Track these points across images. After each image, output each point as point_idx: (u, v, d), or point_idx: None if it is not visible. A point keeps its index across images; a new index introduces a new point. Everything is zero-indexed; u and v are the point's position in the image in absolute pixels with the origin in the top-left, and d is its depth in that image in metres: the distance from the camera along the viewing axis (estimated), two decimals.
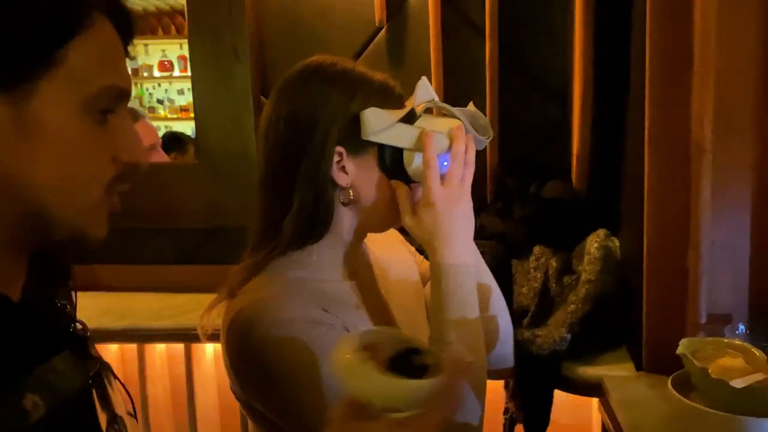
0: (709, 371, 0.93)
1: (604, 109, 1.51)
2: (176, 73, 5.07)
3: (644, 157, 1.17)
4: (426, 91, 0.92)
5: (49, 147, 0.57)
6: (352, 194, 0.91)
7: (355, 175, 0.91)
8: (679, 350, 0.99)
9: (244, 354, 0.87)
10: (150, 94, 5.41)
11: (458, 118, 0.91)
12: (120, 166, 0.62)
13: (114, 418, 0.69)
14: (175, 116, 5.19)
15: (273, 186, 0.92)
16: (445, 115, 0.94)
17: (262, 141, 0.93)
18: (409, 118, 0.90)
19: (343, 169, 0.90)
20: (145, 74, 5.21)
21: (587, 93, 1.52)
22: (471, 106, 0.95)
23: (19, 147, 0.55)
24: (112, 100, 0.61)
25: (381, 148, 0.90)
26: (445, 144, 0.89)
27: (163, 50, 5.14)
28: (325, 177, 0.89)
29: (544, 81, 1.67)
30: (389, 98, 0.92)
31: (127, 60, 0.64)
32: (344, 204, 0.92)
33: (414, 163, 0.90)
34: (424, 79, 0.93)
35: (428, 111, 0.93)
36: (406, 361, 0.64)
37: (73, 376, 0.62)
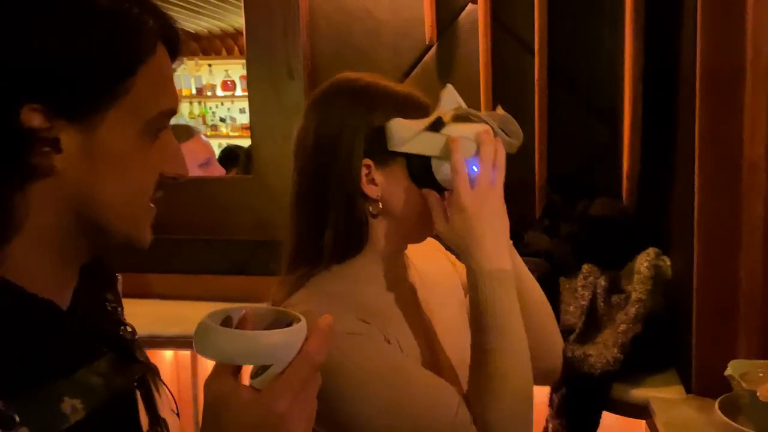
0: (758, 394, 0.90)
1: (654, 125, 1.49)
2: (238, 92, 5.23)
3: (694, 174, 1.15)
4: (452, 98, 0.92)
5: (113, 168, 0.60)
6: (381, 205, 0.92)
7: (384, 186, 0.91)
8: (727, 372, 0.97)
9: None
10: (213, 112, 5.60)
11: (486, 122, 0.91)
12: (164, 178, 0.65)
13: (157, 421, 0.71)
14: (236, 134, 5.34)
15: (306, 202, 0.94)
16: (472, 121, 0.93)
17: (293, 159, 0.95)
18: (436, 126, 0.90)
19: (372, 181, 0.91)
20: (209, 93, 5.40)
21: (636, 109, 1.50)
22: (500, 110, 0.95)
23: (86, 170, 0.59)
24: (167, 120, 0.65)
25: (409, 157, 0.91)
26: (473, 149, 0.89)
27: (227, 70, 5.31)
28: (354, 190, 0.91)
29: (593, 98, 1.65)
30: (414, 108, 0.92)
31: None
32: (374, 216, 0.92)
33: (442, 170, 0.90)
34: (449, 86, 0.93)
35: (456, 119, 0.92)
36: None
37: (116, 379, 0.64)
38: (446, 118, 0.91)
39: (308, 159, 0.93)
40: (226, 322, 0.63)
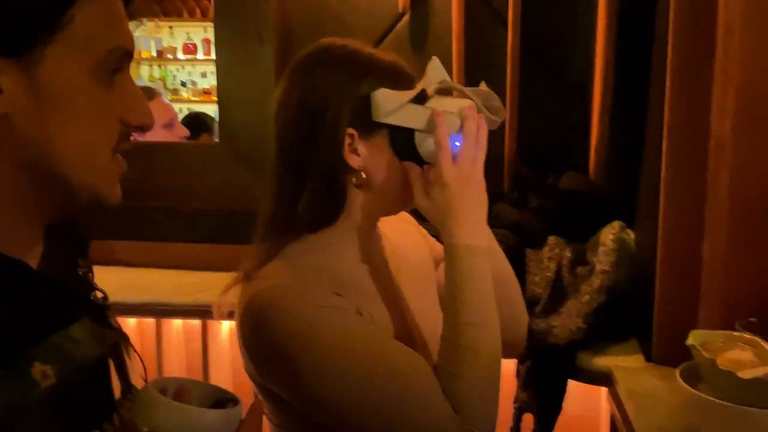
0: (717, 363, 0.94)
1: (625, 101, 1.51)
2: (200, 55, 5.09)
3: (662, 149, 1.17)
4: (437, 71, 0.91)
5: (62, 112, 0.57)
6: (364, 176, 0.91)
7: (366, 156, 0.90)
8: (689, 341, 1.00)
9: (261, 340, 0.88)
10: (174, 76, 5.45)
11: (470, 98, 0.91)
12: (127, 127, 0.62)
13: (129, 388, 0.70)
14: (197, 99, 5.22)
15: (286, 169, 0.92)
16: (456, 96, 0.93)
17: (274, 125, 0.93)
18: (421, 99, 0.89)
19: (355, 151, 0.90)
20: (170, 56, 5.24)
21: (608, 85, 1.52)
22: (483, 86, 0.94)
23: (34, 114, 0.56)
24: (119, 62, 0.60)
25: (392, 129, 0.90)
26: (456, 124, 0.88)
27: (188, 33, 5.16)
28: (337, 159, 0.89)
29: (565, 72, 1.67)
30: (400, 79, 0.91)
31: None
32: (357, 186, 0.91)
33: (425, 143, 0.89)
34: (435, 59, 0.92)
35: (441, 92, 0.91)
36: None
37: (90, 344, 0.63)
38: (431, 91, 0.90)
39: (291, 125, 0.91)
40: (164, 393, 0.67)
